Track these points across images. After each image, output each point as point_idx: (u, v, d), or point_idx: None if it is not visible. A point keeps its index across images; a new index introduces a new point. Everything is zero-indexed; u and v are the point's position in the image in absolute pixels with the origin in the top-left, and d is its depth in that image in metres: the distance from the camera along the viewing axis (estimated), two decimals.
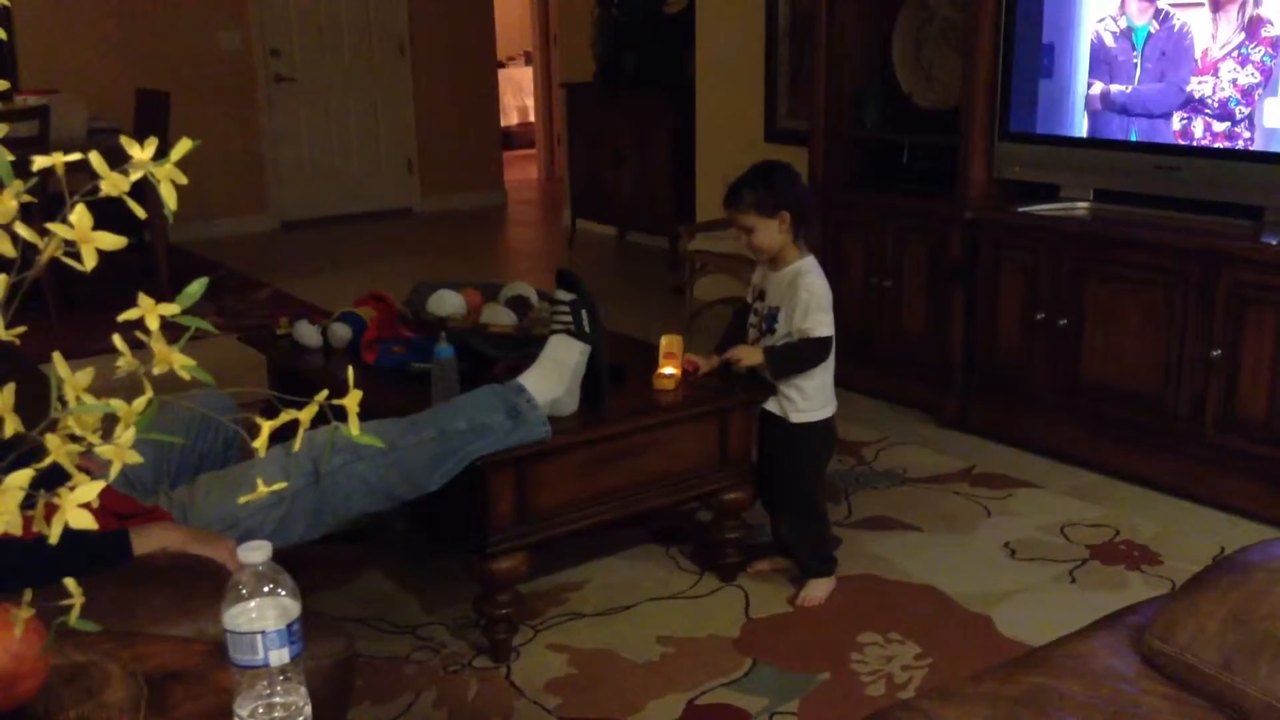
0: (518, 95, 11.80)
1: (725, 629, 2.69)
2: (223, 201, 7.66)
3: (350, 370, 0.99)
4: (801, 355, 2.70)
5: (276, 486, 0.99)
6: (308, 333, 3.15)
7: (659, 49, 6.76)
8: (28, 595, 0.99)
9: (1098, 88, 3.55)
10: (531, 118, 11.15)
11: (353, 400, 0.92)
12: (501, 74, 10.42)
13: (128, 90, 6.45)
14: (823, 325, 2.67)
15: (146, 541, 1.85)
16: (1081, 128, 3.62)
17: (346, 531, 3.08)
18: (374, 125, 8.33)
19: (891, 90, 4.35)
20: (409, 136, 8.44)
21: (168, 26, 7.33)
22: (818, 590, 2.81)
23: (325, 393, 0.92)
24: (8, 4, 0.86)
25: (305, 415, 0.92)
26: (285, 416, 0.91)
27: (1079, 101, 3.61)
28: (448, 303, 3.09)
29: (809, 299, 2.66)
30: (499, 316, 3.04)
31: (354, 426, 0.92)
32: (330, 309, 3.99)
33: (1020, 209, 3.72)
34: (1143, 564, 2.95)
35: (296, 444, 1.21)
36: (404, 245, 7.46)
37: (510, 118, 11.59)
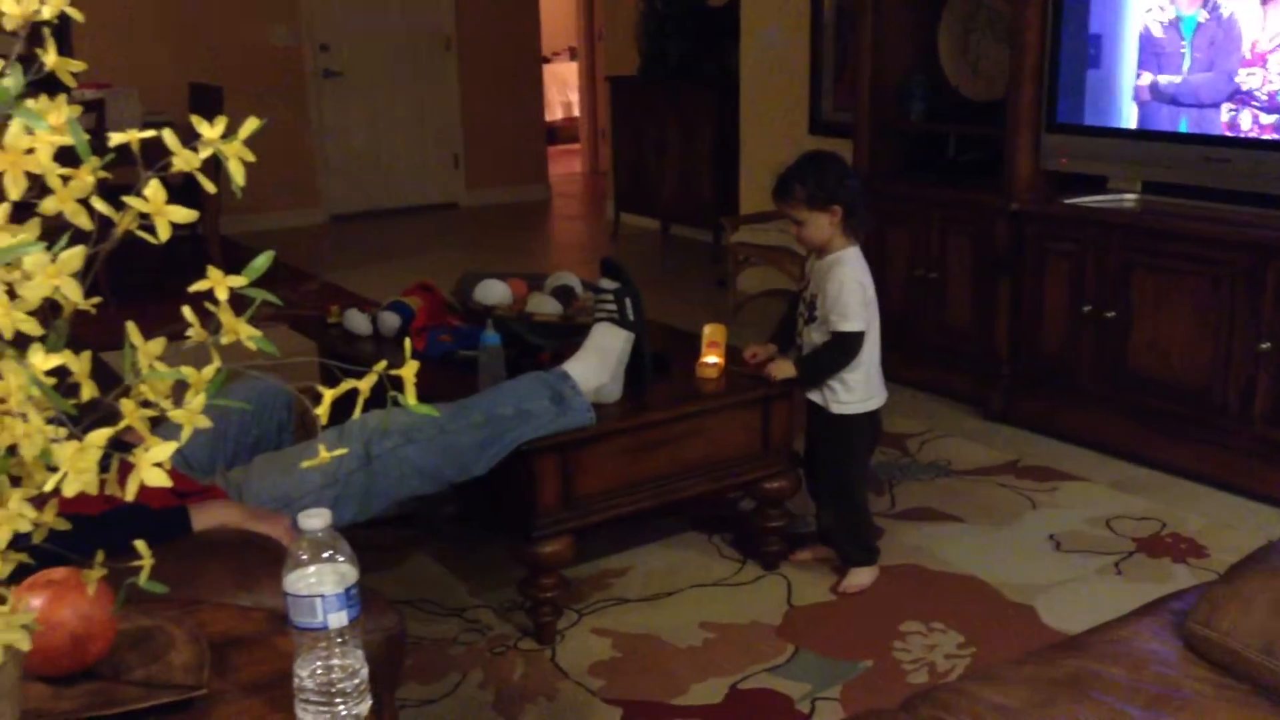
0: (562, 90, 11.85)
1: (767, 616, 2.72)
2: (273, 195, 7.78)
3: (408, 343, 1.03)
4: (828, 358, 2.71)
5: (338, 452, 1.03)
6: (358, 321, 3.20)
7: (703, 42, 6.78)
8: (100, 557, 1.03)
9: (1146, 78, 3.53)
10: (576, 113, 11.20)
11: (409, 370, 0.95)
12: (546, 69, 10.48)
13: (181, 84, 6.57)
14: (849, 319, 2.66)
15: (205, 518, 1.90)
16: (1130, 119, 3.60)
17: (397, 515, 3.14)
18: (421, 120, 8.41)
19: (937, 82, 4.34)
20: (455, 131, 8.52)
21: (221, 22, 7.45)
22: (859, 579, 2.83)
23: (384, 363, 0.96)
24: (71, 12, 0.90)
25: (365, 384, 0.95)
26: (345, 385, 0.95)
27: (1127, 92, 3.59)
28: (494, 292, 3.14)
29: (839, 290, 2.66)
30: (544, 305, 3.08)
31: (411, 396, 0.95)
32: (379, 300, 4.04)
33: (1067, 200, 3.71)
34: (1189, 557, 2.94)
35: (356, 411, 1.25)
36: (450, 238, 7.53)
37: (555, 113, 11.65)
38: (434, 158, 8.51)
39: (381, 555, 3.04)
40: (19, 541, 0.95)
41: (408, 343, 1.02)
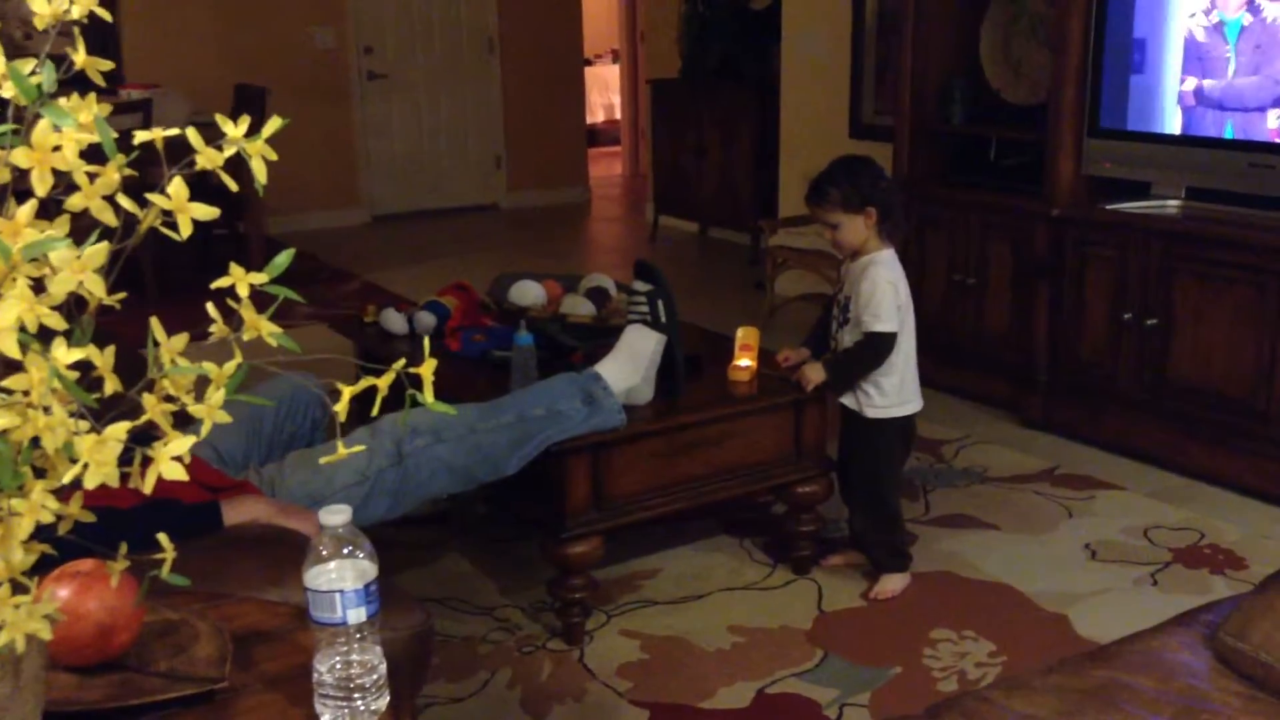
0: (604, 93, 11.88)
1: (797, 621, 2.71)
2: (316, 195, 7.86)
3: (426, 341, 1.04)
4: (859, 359, 2.70)
5: (356, 449, 1.04)
6: (394, 320, 3.23)
7: (744, 44, 6.77)
8: (123, 549, 1.05)
9: (1190, 83, 3.48)
10: (618, 115, 11.22)
11: (428, 369, 0.96)
12: (589, 72, 10.51)
13: (227, 85, 6.65)
14: (881, 320, 2.64)
15: (237, 513, 1.93)
16: (1174, 124, 3.55)
17: (430, 514, 3.17)
18: (463, 122, 8.46)
19: (979, 86, 4.31)
20: (497, 133, 8.56)
21: (266, 24, 7.53)
22: (891, 585, 2.81)
23: (403, 360, 0.97)
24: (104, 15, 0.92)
25: (383, 382, 0.96)
26: (365, 383, 0.96)
27: (1171, 97, 3.54)
28: (528, 293, 3.15)
29: (872, 291, 2.65)
30: (578, 307, 3.09)
31: (429, 394, 0.96)
32: (417, 300, 4.07)
33: (1108, 206, 3.66)
34: (1227, 568, 2.89)
35: (375, 409, 1.26)
36: (490, 239, 7.57)
37: (596, 115, 11.68)
38: (475, 159, 8.56)
39: (414, 553, 3.06)
40: (46, 533, 0.96)
41: (426, 341, 1.03)
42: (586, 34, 9.22)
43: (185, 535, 1.81)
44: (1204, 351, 3.36)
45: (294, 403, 2.52)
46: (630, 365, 2.59)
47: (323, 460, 1.02)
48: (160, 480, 2.07)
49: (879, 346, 2.67)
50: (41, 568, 1.11)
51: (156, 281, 5.39)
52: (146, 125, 5.43)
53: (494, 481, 2.50)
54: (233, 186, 0.90)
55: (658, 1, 7.90)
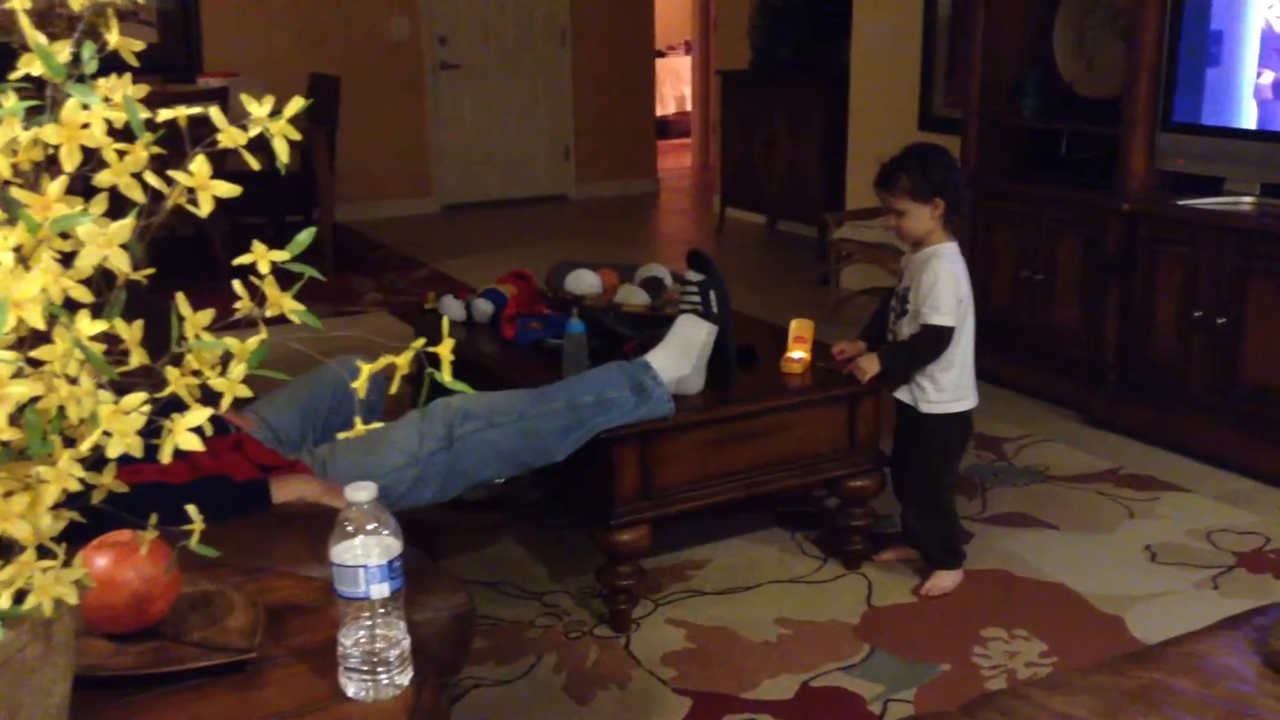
0: (676, 85, 11.87)
1: (846, 615, 2.69)
2: (388, 184, 7.97)
3: (445, 322, 1.05)
4: (915, 350, 2.67)
5: (374, 426, 1.05)
6: (453, 307, 3.26)
7: (815, 36, 6.72)
8: (153, 519, 1.07)
9: (1268, 77, 3.38)
10: (688, 107, 11.20)
11: (445, 349, 0.97)
12: (661, 63, 10.50)
13: (302, 74, 6.76)
14: (940, 313, 2.61)
15: (285, 491, 1.96)
16: (1250, 119, 3.45)
17: (485, 499, 3.21)
18: (534, 112, 8.51)
19: (1051, 78, 4.23)
20: (567, 124, 8.60)
21: (342, 14, 7.65)
22: (943, 581, 2.78)
23: (422, 340, 0.98)
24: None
25: (403, 360, 0.97)
26: (383, 361, 0.97)
27: (1247, 91, 3.45)
28: (584, 282, 3.16)
29: (934, 282, 2.61)
30: (633, 296, 3.10)
31: (446, 373, 0.97)
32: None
33: (1181, 202, 3.57)
34: None
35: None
36: (558, 230, 7.61)
37: (668, 106, 11.68)
38: (545, 150, 8.61)
39: (469, 537, 3.09)
40: (81, 503, 0.99)
41: (445, 322, 1.04)
42: (659, 25, 9.21)
43: (235, 511, 1.86)
44: (1276, 352, 3.27)
45: (350, 385, 2.56)
46: (681, 355, 2.59)
47: (340, 436, 1.04)
48: (218, 458, 2.11)
49: (936, 339, 2.64)
50: (78, 537, 1.14)
51: (228, 265, 5.50)
52: (224, 113, 5.54)
53: (545, 468, 2.52)
54: (254, 165, 0.92)
55: None
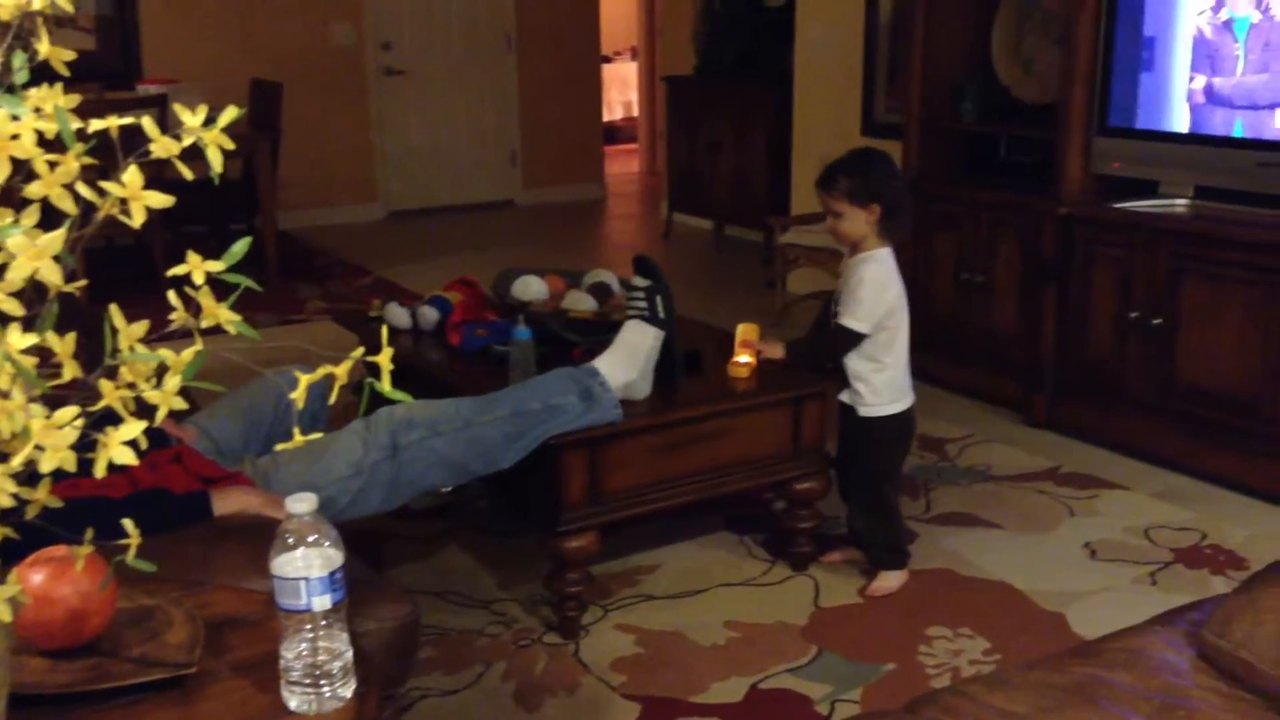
0: (623, 90, 11.89)
1: (793, 617, 2.71)
2: (332, 191, 7.91)
3: (384, 331, 1.05)
4: (819, 350, 2.72)
5: (313, 436, 1.05)
6: (398, 315, 3.24)
7: (759, 42, 6.76)
8: (89, 534, 1.06)
9: (1199, 81, 3.46)
10: (635, 112, 11.22)
11: (385, 358, 0.97)
12: (607, 69, 10.51)
13: (244, 81, 6.69)
14: (854, 317, 2.65)
15: (226, 503, 1.94)
16: (1183, 123, 3.53)
17: (431, 508, 3.19)
18: (480, 118, 8.48)
19: (990, 84, 4.29)
20: (513, 129, 8.58)
21: (284, 19, 7.58)
22: (888, 582, 2.81)
23: (361, 350, 0.98)
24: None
25: (341, 371, 0.97)
26: (322, 371, 0.97)
27: (1180, 95, 3.52)
28: (531, 288, 3.16)
29: (856, 287, 2.65)
30: (580, 302, 3.10)
31: (386, 382, 0.97)
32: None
33: (1116, 205, 3.64)
34: (1228, 569, 2.88)
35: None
36: (504, 236, 7.59)
37: (614, 113, 11.68)
38: (492, 155, 8.58)
39: (415, 546, 3.07)
40: (15, 518, 0.98)
41: (384, 331, 1.04)
42: (605, 31, 9.22)
43: (175, 524, 1.84)
44: (1211, 352, 3.34)
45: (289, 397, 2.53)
46: (628, 360, 2.60)
47: (279, 448, 1.03)
48: (156, 471, 2.08)
49: (842, 342, 2.68)
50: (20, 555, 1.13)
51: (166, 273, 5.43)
52: (163, 121, 5.47)
53: (491, 475, 2.51)
54: (187, 175, 0.91)
55: None
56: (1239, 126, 3.36)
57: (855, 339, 2.67)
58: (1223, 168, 3.41)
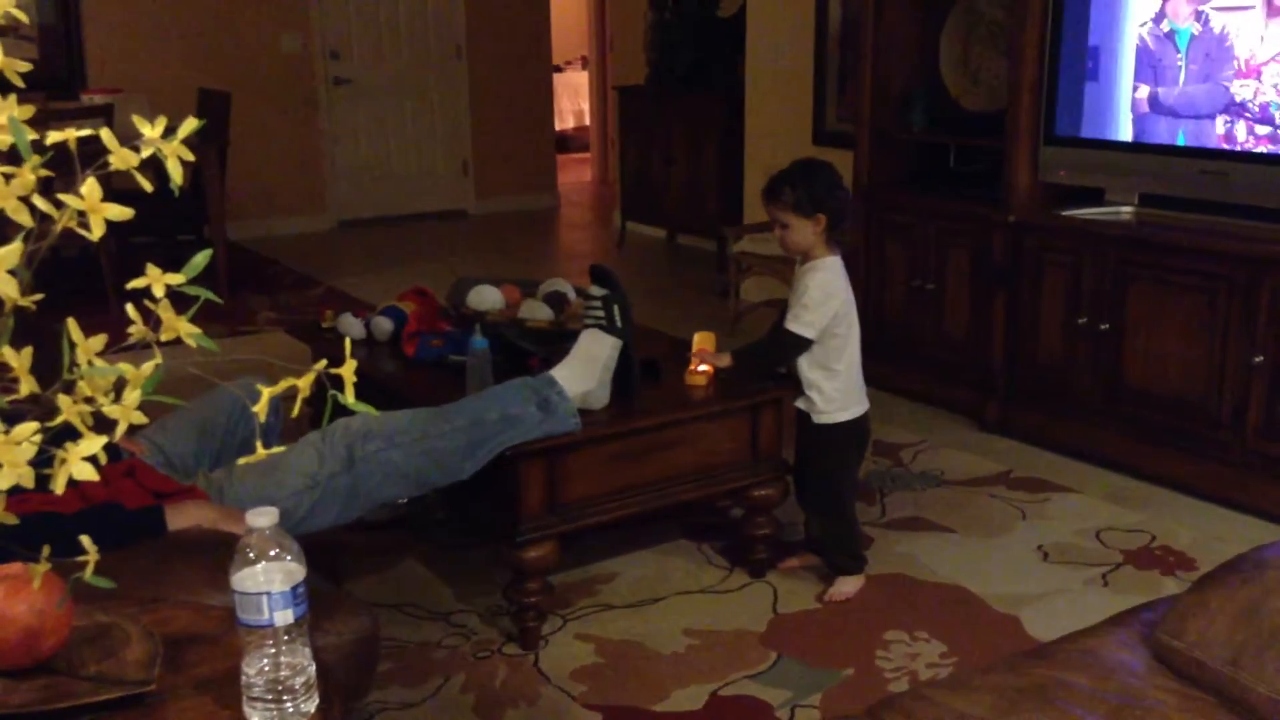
0: (574, 99, 11.90)
1: (752, 624, 2.72)
2: (281, 200, 7.83)
3: (347, 343, 1.04)
4: (765, 353, 2.75)
5: (275, 450, 1.04)
6: (351, 326, 3.22)
7: (711, 52, 6.80)
8: (45, 551, 1.04)
9: (1143, 91, 3.52)
10: (587, 122, 11.23)
11: (348, 370, 0.96)
12: (559, 78, 10.51)
13: (190, 90, 6.61)
14: (800, 322, 2.67)
15: (182, 518, 1.92)
16: (1127, 131, 3.59)
17: (387, 520, 3.16)
18: (431, 127, 8.45)
19: (939, 93, 4.35)
20: (465, 139, 8.55)
21: (231, 28, 7.50)
22: (845, 587, 2.83)
23: (324, 362, 0.97)
24: None
25: (304, 383, 0.96)
26: (285, 384, 0.96)
27: (1125, 105, 3.59)
28: (486, 298, 3.15)
29: (803, 293, 2.68)
30: (536, 312, 3.09)
31: (350, 394, 0.96)
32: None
33: (1064, 213, 3.70)
34: (1178, 569, 2.93)
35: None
36: (457, 245, 7.56)
37: (566, 121, 11.69)
38: (443, 165, 8.55)
39: (372, 559, 3.05)
40: None
41: (347, 342, 1.03)
42: (555, 40, 9.22)
43: (129, 540, 1.81)
44: (1157, 356, 3.40)
45: (247, 408, 2.51)
46: (585, 369, 2.60)
47: (241, 462, 1.02)
48: (108, 486, 2.05)
49: (785, 345, 2.71)
50: None
51: (116, 287, 5.36)
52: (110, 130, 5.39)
53: (450, 486, 2.50)
54: (147, 187, 0.90)
55: (625, 8, 7.92)
56: (1182, 135, 3.43)
57: (800, 343, 2.69)
58: (1166, 176, 3.48)
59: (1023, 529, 3.19)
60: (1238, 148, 3.28)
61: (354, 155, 8.18)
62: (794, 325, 2.68)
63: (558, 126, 9.87)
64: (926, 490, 3.46)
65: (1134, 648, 1.67)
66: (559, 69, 11.18)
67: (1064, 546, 3.08)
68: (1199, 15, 3.31)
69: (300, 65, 7.83)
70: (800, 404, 2.79)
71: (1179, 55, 3.39)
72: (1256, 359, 3.12)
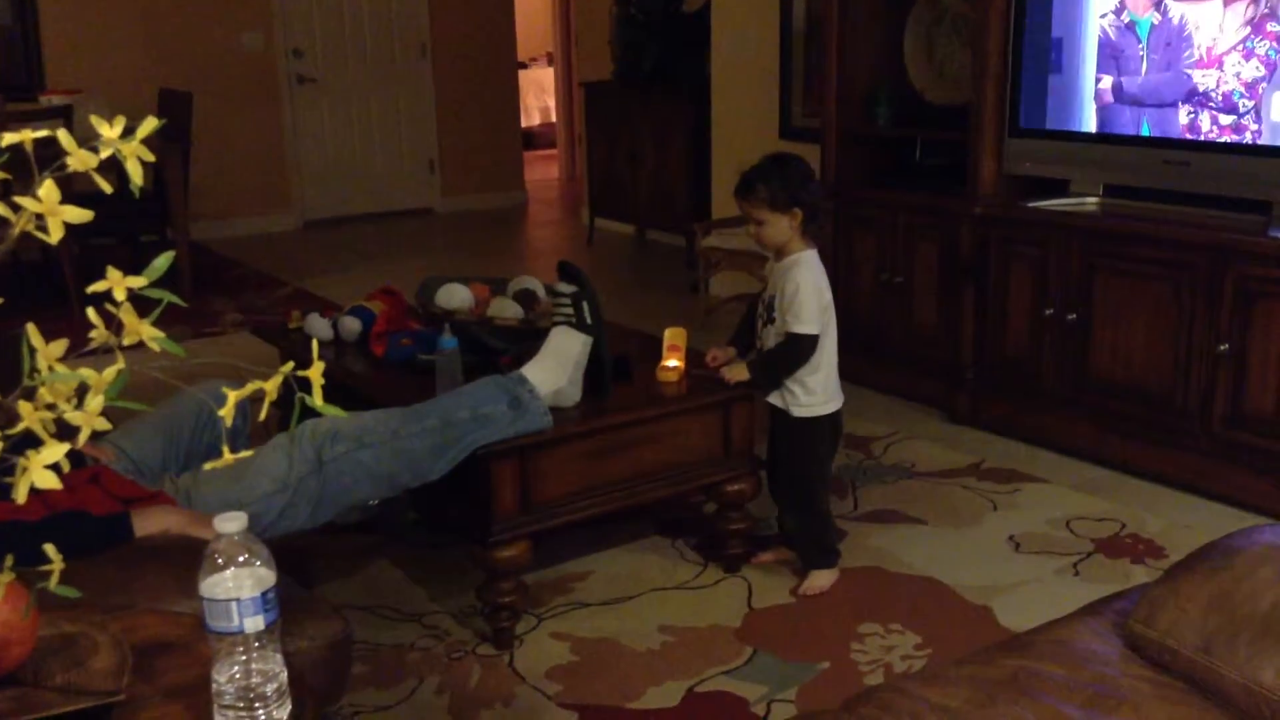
0: (540, 96, 11.86)
1: (727, 619, 2.71)
2: (245, 200, 7.77)
3: (315, 345, 1.02)
4: (781, 359, 2.72)
5: (243, 454, 1.02)
6: (319, 326, 3.19)
7: (677, 48, 6.79)
8: (9, 561, 1.02)
9: (1107, 82, 3.55)
10: (553, 118, 11.20)
11: (316, 371, 0.95)
12: (524, 75, 10.47)
13: (151, 90, 6.54)
14: (803, 321, 2.67)
15: (149, 524, 1.89)
16: (1091, 123, 3.62)
17: (358, 522, 3.13)
18: (396, 125, 8.39)
19: (904, 87, 4.36)
20: (430, 136, 8.51)
21: (192, 27, 7.42)
22: (820, 580, 2.83)
23: (291, 364, 0.95)
24: None
25: (271, 385, 0.95)
26: (251, 387, 0.94)
27: (1088, 95, 3.61)
28: (455, 296, 3.13)
29: (795, 292, 2.67)
30: (505, 310, 3.08)
31: (318, 397, 0.95)
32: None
33: (1030, 204, 3.72)
34: (1147, 558, 2.95)
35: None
36: (424, 244, 7.52)
37: (532, 118, 11.65)
38: (409, 163, 8.50)
39: (343, 562, 3.02)
40: None
41: (315, 344, 1.02)
42: (520, 37, 9.19)
43: (96, 547, 1.79)
44: (1123, 346, 3.43)
45: (213, 412, 2.48)
46: (556, 367, 2.59)
47: (207, 466, 1.01)
48: (74, 493, 2.02)
49: (801, 348, 2.69)
50: None
51: (77, 291, 5.29)
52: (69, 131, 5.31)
53: (421, 487, 2.48)
54: (106, 189, 0.89)
55: (590, 4, 7.90)
56: (1145, 125, 3.46)
57: (811, 342, 2.68)
58: (1130, 166, 3.51)
59: (994, 519, 3.21)
60: (1201, 137, 3.30)
61: (319, 154, 8.12)
62: (799, 326, 2.67)
63: (524, 123, 9.84)
64: (898, 483, 3.47)
65: (1107, 637, 1.68)
66: (524, 65, 11.14)
67: (1034, 536, 3.09)
68: (1158, 4, 3.34)
69: (263, 64, 7.76)
70: (775, 400, 2.78)
71: (1140, 45, 3.41)
72: (1221, 347, 3.15)
